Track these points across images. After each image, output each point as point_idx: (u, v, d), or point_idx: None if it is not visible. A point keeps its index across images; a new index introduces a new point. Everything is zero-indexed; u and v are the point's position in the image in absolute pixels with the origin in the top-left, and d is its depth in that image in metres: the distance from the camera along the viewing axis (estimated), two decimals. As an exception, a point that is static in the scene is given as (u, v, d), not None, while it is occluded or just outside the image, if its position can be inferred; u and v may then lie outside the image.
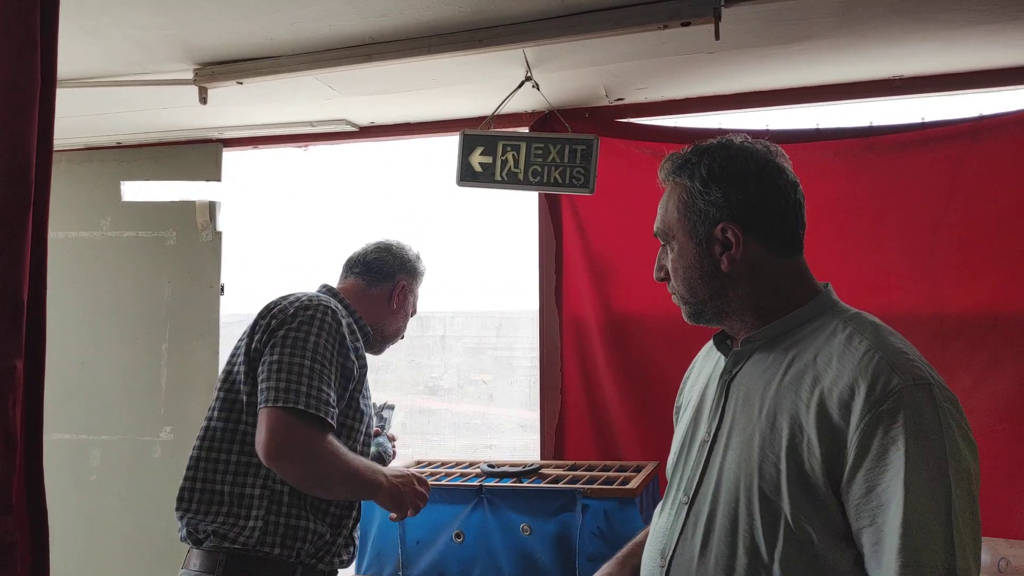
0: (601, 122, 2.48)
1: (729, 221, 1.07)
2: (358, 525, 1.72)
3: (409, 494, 1.66)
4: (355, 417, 1.65)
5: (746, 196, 1.07)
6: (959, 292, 2.15)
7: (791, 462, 0.97)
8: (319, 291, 1.77)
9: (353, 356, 1.63)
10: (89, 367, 2.95)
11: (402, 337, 1.91)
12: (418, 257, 1.90)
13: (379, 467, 1.67)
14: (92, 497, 2.89)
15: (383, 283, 1.82)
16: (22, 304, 0.91)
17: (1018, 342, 2.08)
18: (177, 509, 1.59)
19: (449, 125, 2.64)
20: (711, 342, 1.19)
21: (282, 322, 1.58)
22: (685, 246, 1.11)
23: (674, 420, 1.28)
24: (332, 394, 1.54)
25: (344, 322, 1.63)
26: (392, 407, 2.12)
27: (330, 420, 1.52)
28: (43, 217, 0.96)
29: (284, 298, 1.65)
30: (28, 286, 0.92)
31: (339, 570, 1.70)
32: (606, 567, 1.32)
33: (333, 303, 1.65)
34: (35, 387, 0.94)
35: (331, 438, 1.53)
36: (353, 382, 1.63)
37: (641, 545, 1.32)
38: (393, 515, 1.68)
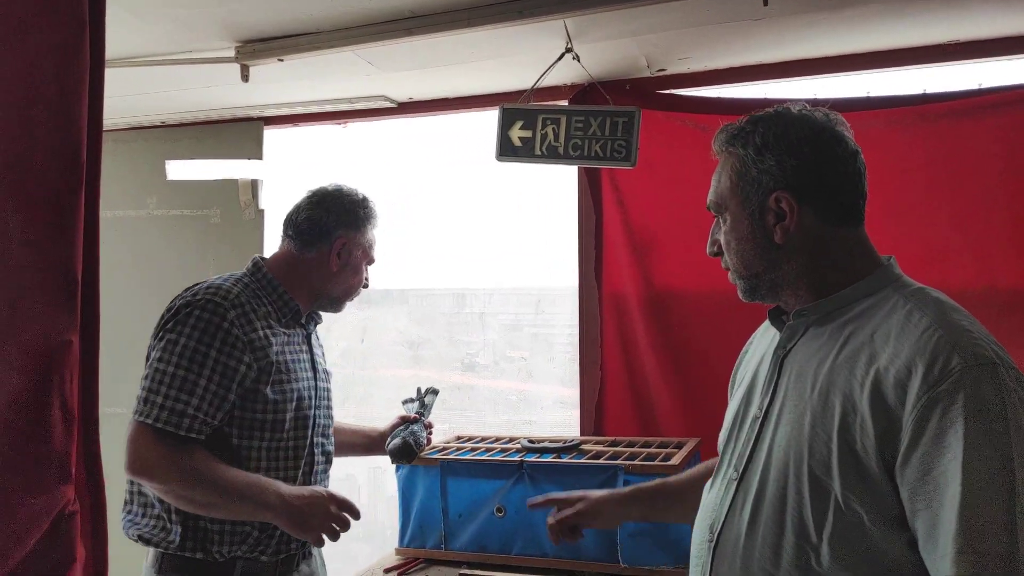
0: (642, 94, 2.43)
1: (783, 190, 1.04)
2: None
3: (319, 516, 1.53)
4: (267, 410, 1.57)
5: (801, 164, 1.04)
6: (1014, 265, 2.08)
7: (843, 442, 0.94)
8: (247, 267, 1.69)
9: (243, 352, 1.53)
10: (138, 343, 3.01)
11: (366, 286, 1.79)
12: (362, 203, 1.73)
13: (275, 487, 1.52)
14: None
15: (318, 244, 1.68)
16: (77, 280, 0.93)
17: (1078, 317, 2.01)
18: (121, 510, 1.58)
19: (488, 99, 2.62)
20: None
21: (164, 322, 1.55)
22: (738, 217, 1.09)
23: (728, 394, 1.27)
24: (199, 401, 1.47)
25: (232, 314, 1.53)
26: (435, 392, 2.08)
27: (187, 433, 1.46)
28: (95, 195, 0.98)
29: (188, 290, 1.61)
30: (82, 263, 0.94)
31: (305, 553, 1.66)
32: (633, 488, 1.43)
33: (224, 291, 1.56)
34: (90, 361, 0.96)
35: (192, 454, 1.47)
36: (243, 378, 1.53)
37: (675, 486, 1.41)
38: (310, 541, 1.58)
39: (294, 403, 1.63)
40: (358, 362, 3.95)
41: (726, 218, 1.11)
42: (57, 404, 0.90)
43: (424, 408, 2.03)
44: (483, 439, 2.29)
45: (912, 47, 2.21)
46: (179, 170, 2.92)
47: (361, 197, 1.76)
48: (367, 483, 3.97)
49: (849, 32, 2.11)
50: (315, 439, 1.70)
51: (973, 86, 2.16)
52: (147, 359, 1.58)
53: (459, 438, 2.32)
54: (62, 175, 0.92)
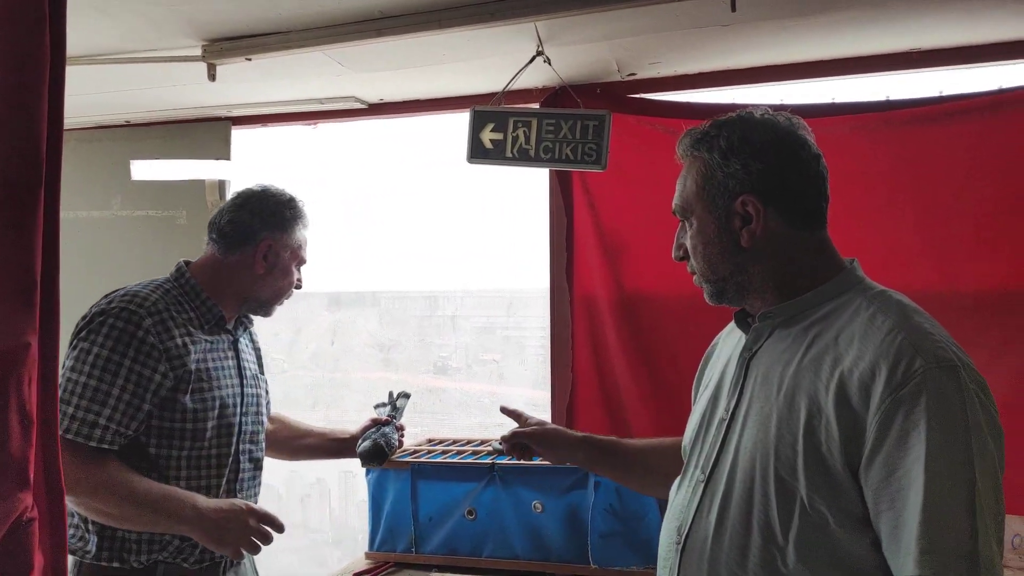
0: (613, 98, 2.45)
1: (749, 193, 1.05)
2: None
3: (236, 531, 1.49)
4: (187, 419, 1.54)
5: (766, 167, 1.05)
6: (976, 269, 2.12)
7: (808, 444, 0.95)
8: (171, 272, 1.67)
9: (158, 361, 1.50)
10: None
11: (298, 287, 1.75)
12: (288, 203, 1.69)
13: (191, 499, 1.50)
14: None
15: (243, 247, 1.64)
16: (35, 281, 0.91)
17: (1036, 319, 2.06)
18: None
19: (459, 102, 2.61)
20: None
21: (78, 330, 1.53)
22: (704, 221, 1.09)
23: (692, 397, 1.28)
24: (111, 412, 1.46)
25: (147, 322, 1.51)
26: (407, 396, 2.06)
27: (99, 444, 1.45)
28: (55, 194, 0.95)
29: (105, 296, 1.58)
30: (41, 264, 0.92)
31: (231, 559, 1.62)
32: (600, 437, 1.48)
33: (141, 298, 1.54)
34: (49, 364, 0.94)
35: (104, 465, 1.45)
36: (158, 387, 1.51)
37: (624, 448, 1.44)
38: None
39: (216, 411, 1.59)
40: (329, 365, 3.91)
41: (692, 222, 1.11)
42: (15, 408, 0.88)
43: (396, 411, 2.02)
44: (454, 442, 2.28)
45: (876, 55, 2.25)
46: (144, 170, 2.87)
47: (287, 197, 1.71)
48: (338, 487, 3.94)
49: (816, 39, 2.15)
50: (241, 446, 1.67)
51: (935, 93, 2.21)
52: (61, 367, 1.54)
53: (430, 441, 2.31)
54: (21, 173, 0.90)
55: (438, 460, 2.05)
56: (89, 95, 2.62)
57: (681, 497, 1.13)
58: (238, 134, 2.91)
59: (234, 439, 1.64)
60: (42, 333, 0.93)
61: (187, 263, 1.70)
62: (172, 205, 2.94)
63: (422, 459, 2.05)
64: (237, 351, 1.72)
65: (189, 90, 2.56)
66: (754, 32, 2.08)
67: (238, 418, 1.65)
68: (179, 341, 1.56)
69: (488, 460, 2.00)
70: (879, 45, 2.20)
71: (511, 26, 1.93)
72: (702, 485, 1.08)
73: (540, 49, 2.12)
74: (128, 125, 3.00)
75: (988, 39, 2.15)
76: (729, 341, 1.21)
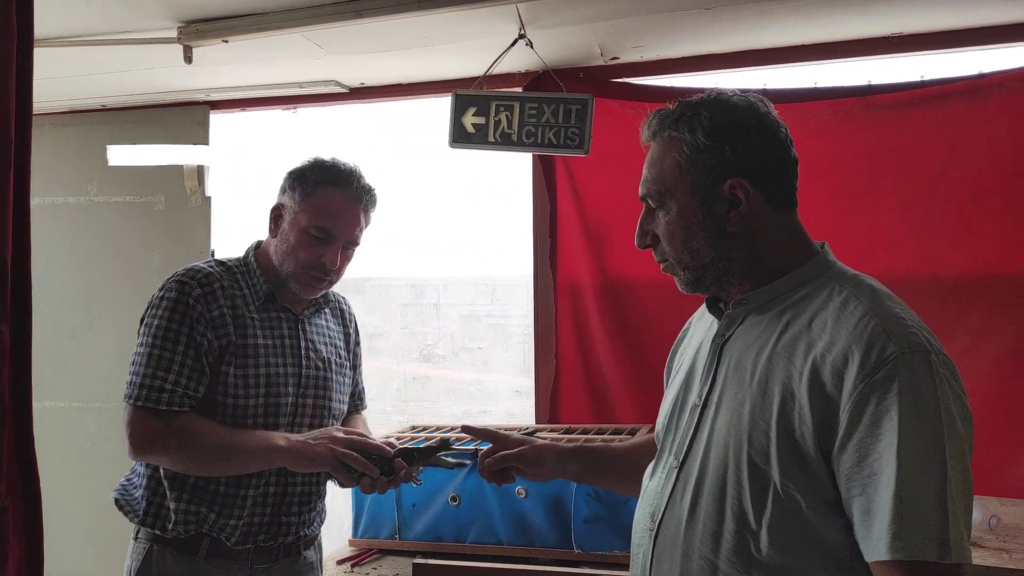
0: (596, 82, 2.43)
1: (737, 176, 1.02)
2: (289, 508, 1.59)
3: (324, 444, 1.51)
4: (227, 393, 1.54)
5: (750, 149, 1.03)
6: (956, 253, 2.14)
7: (781, 430, 0.95)
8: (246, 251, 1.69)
9: (206, 328, 1.53)
10: (80, 335, 2.93)
11: (325, 267, 1.58)
12: (308, 168, 1.62)
13: (276, 433, 1.55)
14: (88, 463, 2.89)
15: (271, 219, 1.66)
16: (6, 267, 0.89)
17: (1015, 303, 2.08)
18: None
19: (441, 86, 2.59)
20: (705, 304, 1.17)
21: (147, 306, 1.58)
22: (687, 205, 1.05)
23: (664, 381, 1.27)
24: (176, 376, 1.50)
25: (196, 292, 1.53)
26: (464, 463, 1.72)
27: (169, 407, 1.48)
28: (24, 179, 0.93)
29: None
30: (11, 248, 0.90)
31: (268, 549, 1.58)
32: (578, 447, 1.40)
33: (195, 271, 1.57)
34: (22, 352, 0.92)
35: (187, 421, 1.49)
36: (206, 354, 1.53)
37: (615, 452, 1.39)
38: (335, 481, 1.56)
39: (262, 388, 1.57)
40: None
41: (671, 207, 1.07)
42: (-15, 396, 0.86)
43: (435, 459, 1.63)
44: (438, 428, 2.28)
45: (858, 39, 2.25)
46: (122, 155, 2.83)
47: (310, 163, 1.64)
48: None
49: (797, 23, 2.14)
50: (293, 429, 1.62)
51: (916, 78, 2.22)
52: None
53: (414, 428, 2.30)
54: (-13, 156, 0.87)
55: (422, 446, 2.04)
56: (63, 78, 2.57)
57: (655, 483, 1.11)
58: (216, 118, 2.87)
59: (282, 419, 1.60)
60: (14, 320, 0.91)
61: (258, 243, 1.71)
62: (150, 191, 2.90)
63: (406, 446, 2.04)
64: (301, 331, 1.65)
65: (166, 73, 2.51)
66: (736, 16, 2.07)
67: (291, 398, 1.61)
68: (224, 311, 1.57)
69: (472, 447, 2.00)
70: (860, 30, 2.20)
71: (493, 8, 1.92)
72: (675, 471, 1.07)
73: (522, 32, 2.10)
74: (104, 109, 2.95)
75: (969, 24, 2.16)
76: (700, 326, 1.20)
